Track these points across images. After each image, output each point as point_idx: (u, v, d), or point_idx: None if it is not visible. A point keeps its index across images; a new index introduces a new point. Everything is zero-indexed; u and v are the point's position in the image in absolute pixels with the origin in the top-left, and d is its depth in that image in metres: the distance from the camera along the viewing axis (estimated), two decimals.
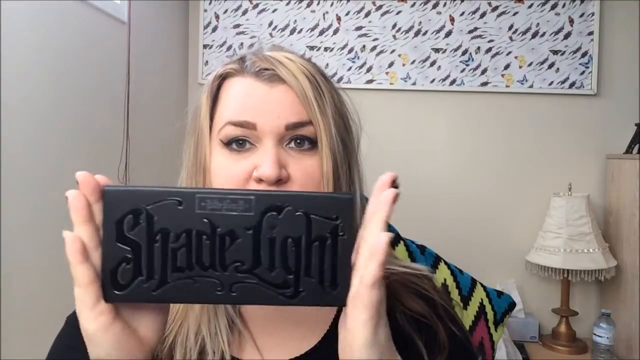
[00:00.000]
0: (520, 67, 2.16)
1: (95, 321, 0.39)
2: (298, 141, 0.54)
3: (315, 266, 0.40)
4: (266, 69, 0.55)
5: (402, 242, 1.08)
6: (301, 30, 2.24)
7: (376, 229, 0.39)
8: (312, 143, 0.55)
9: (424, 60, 2.20)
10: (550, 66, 2.14)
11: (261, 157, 0.53)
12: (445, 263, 1.14)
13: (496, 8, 2.16)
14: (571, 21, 2.13)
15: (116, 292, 0.40)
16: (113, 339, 0.40)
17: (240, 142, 0.55)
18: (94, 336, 0.40)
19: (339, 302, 0.40)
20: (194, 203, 0.40)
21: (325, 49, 2.23)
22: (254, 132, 0.54)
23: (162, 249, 0.40)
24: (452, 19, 2.19)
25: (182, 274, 0.40)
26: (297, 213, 0.40)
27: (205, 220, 0.40)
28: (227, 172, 0.54)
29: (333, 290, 0.40)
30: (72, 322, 0.62)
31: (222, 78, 0.58)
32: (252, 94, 0.55)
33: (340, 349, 0.42)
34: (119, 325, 0.40)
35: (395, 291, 0.61)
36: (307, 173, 0.54)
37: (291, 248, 0.40)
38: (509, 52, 2.16)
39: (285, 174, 0.53)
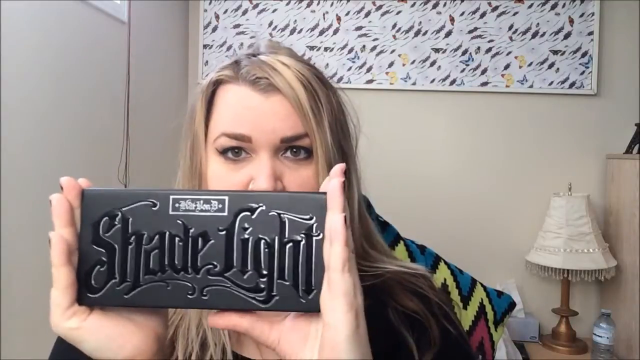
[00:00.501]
0: (520, 67, 2.16)
1: (68, 321, 0.39)
2: (294, 150, 0.54)
3: (289, 269, 0.38)
4: (261, 78, 0.54)
5: (402, 242, 1.08)
6: (301, 30, 2.24)
7: (332, 214, 0.37)
8: (308, 152, 0.55)
9: (424, 60, 2.20)
10: (550, 66, 2.14)
11: (257, 169, 0.53)
12: (445, 263, 1.14)
13: (496, 8, 2.16)
14: (571, 21, 2.13)
15: (89, 295, 0.39)
16: (90, 334, 0.39)
17: (236, 150, 0.55)
18: (67, 335, 0.40)
19: (314, 308, 0.38)
20: (168, 204, 0.39)
21: (325, 49, 2.23)
22: (250, 144, 0.54)
23: (135, 251, 0.39)
24: (452, 19, 2.18)
25: (154, 277, 0.39)
26: (271, 213, 0.38)
27: (179, 221, 0.39)
28: (223, 182, 0.54)
29: (308, 294, 0.38)
30: None
31: (217, 83, 0.57)
32: (247, 105, 0.54)
33: (319, 350, 0.38)
34: (94, 322, 0.40)
35: (389, 288, 0.61)
36: (303, 184, 0.54)
37: (264, 250, 0.38)
38: (509, 52, 2.16)
39: (280, 186, 0.53)
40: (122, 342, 0.40)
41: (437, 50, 2.20)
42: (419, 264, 0.68)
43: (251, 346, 0.59)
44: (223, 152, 0.55)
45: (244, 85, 0.55)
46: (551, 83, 2.15)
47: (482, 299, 1.15)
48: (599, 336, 1.81)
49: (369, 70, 2.22)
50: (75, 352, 0.59)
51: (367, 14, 2.22)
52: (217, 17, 2.28)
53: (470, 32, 2.18)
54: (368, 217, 0.66)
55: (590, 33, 2.12)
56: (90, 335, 0.39)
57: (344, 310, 0.36)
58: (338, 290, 0.36)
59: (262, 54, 0.57)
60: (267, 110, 0.54)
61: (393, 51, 2.21)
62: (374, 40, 2.22)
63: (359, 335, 0.37)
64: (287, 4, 2.24)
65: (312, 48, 2.24)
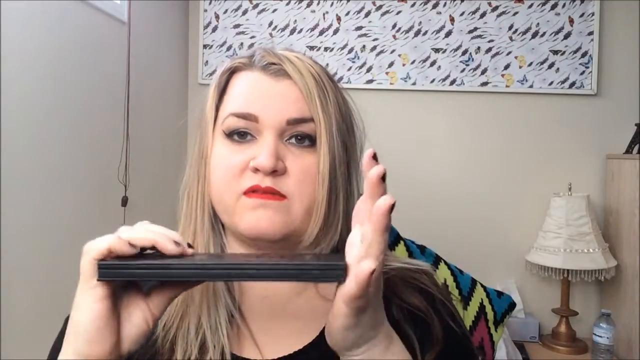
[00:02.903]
0: (520, 67, 2.16)
1: (94, 288, 0.42)
2: (299, 137, 0.56)
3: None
4: (273, 64, 0.57)
5: (402, 242, 1.08)
6: (301, 30, 2.24)
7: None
8: (312, 141, 0.56)
9: (424, 60, 2.20)
10: (550, 66, 2.14)
11: (260, 148, 0.54)
12: (446, 263, 1.14)
13: (496, 8, 2.16)
14: (571, 21, 2.13)
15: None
16: (97, 311, 0.43)
17: (242, 133, 0.56)
18: (84, 300, 0.43)
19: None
20: None
21: (325, 49, 2.23)
22: (256, 125, 0.55)
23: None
24: (452, 19, 2.18)
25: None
26: None
27: None
28: (225, 163, 0.56)
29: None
30: None
31: (231, 72, 0.60)
32: (257, 87, 0.56)
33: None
34: (110, 303, 0.43)
35: (393, 285, 0.61)
36: (305, 169, 0.55)
37: None
38: (509, 52, 2.16)
39: (281, 165, 0.54)
40: (101, 336, 0.43)
41: (437, 50, 2.20)
42: (421, 261, 0.67)
43: (251, 347, 0.59)
44: (229, 134, 0.56)
45: (256, 71, 0.58)
46: (551, 83, 2.15)
47: (482, 300, 1.15)
48: (599, 336, 1.81)
49: (369, 70, 2.22)
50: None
51: (367, 14, 2.22)
52: (217, 17, 2.28)
53: (470, 32, 2.18)
54: None
55: (590, 33, 2.12)
56: (94, 310, 0.43)
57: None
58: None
59: (277, 49, 0.60)
60: (276, 92, 0.56)
61: (393, 51, 2.21)
62: (374, 40, 2.22)
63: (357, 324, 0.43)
64: (287, 4, 2.24)
65: (312, 48, 2.24)
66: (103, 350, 0.43)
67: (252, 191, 0.54)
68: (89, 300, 0.43)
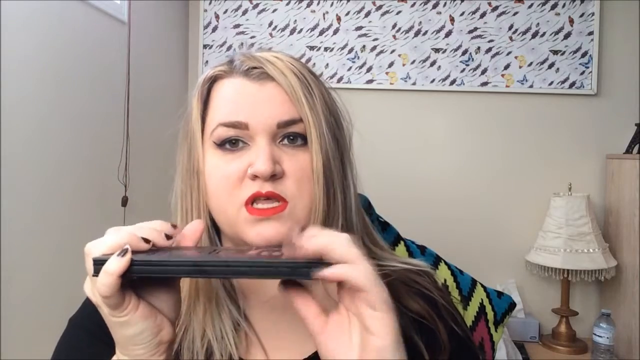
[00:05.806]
0: (520, 67, 2.16)
1: (127, 312, 0.43)
2: (291, 138, 0.55)
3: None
4: (255, 68, 0.56)
5: (402, 242, 1.08)
6: (301, 30, 2.24)
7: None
8: (305, 139, 0.56)
9: (424, 60, 2.20)
10: (550, 66, 2.14)
11: (255, 154, 0.54)
12: (446, 263, 1.14)
13: (496, 8, 2.16)
14: (571, 21, 2.13)
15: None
16: (142, 316, 0.44)
17: (233, 142, 0.55)
18: (130, 321, 0.44)
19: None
20: None
21: (325, 49, 2.23)
22: (247, 132, 0.55)
23: None
24: (452, 19, 2.18)
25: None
26: None
27: None
28: (222, 173, 0.55)
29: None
30: (75, 323, 0.62)
31: (212, 80, 0.59)
32: (242, 93, 0.56)
33: (362, 351, 0.42)
34: (145, 305, 0.45)
35: (395, 290, 0.60)
36: (301, 168, 0.55)
37: None
38: (509, 52, 2.16)
39: (279, 169, 0.54)
40: (157, 328, 0.45)
41: (437, 50, 2.19)
42: (421, 260, 0.67)
43: (259, 352, 0.58)
44: (220, 144, 0.56)
45: (239, 77, 0.57)
46: (551, 83, 2.15)
47: (482, 300, 1.15)
48: (599, 336, 1.81)
49: (369, 70, 2.22)
50: (79, 353, 0.59)
51: (367, 14, 2.22)
52: (217, 17, 2.28)
53: (470, 32, 2.18)
54: (365, 214, 0.65)
55: (590, 33, 2.12)
56: (139, 317, 0.44)
57: (386, 320, 0.41)
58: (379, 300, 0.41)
59: (255, 51, 0.59)
60: (263, 97, 0.55)
61: (393, 51, 2.21)
62: (374, 40, 2.22)
63: (399, 337, 0.42)
64: (287, 4, 2.24)
65: (312, 48, 2.24)
66: (168, 332, 0.46)
67: (254, 200, 0.53)
68: (128, 317, 0.44)
